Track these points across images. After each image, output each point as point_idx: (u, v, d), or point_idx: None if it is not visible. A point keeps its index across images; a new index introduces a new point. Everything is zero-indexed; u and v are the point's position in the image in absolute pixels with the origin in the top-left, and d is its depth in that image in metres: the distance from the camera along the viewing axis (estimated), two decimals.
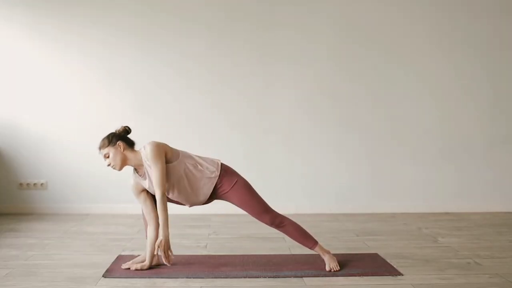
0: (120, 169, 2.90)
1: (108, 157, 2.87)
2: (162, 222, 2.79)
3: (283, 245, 3.57)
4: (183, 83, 4.82)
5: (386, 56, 4.87)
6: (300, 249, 3.34)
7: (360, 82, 4.88)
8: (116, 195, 4.75)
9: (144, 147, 2.86)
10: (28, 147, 4.78)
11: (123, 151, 2.87)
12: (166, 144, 2.90)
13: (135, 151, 2.92)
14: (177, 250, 3.42)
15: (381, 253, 3.36)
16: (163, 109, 4.82)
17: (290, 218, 3.00)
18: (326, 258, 2.98)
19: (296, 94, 4.86)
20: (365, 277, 2.85)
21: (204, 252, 3.40)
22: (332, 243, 3.60)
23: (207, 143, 4.75)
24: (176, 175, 2.85)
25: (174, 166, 2.84)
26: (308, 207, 4.82)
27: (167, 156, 2.84)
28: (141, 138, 4.97)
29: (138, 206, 4.77)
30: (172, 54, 4.80)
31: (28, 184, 4.80)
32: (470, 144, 4.92)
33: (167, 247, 2.80)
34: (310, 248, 2.99)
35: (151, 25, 4.78)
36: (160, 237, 2.79)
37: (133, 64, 4.80)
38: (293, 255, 3.31)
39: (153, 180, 2.78)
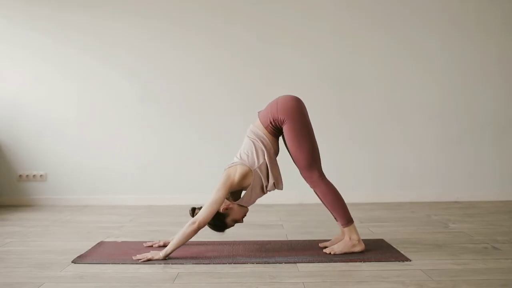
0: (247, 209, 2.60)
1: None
2: (175, 243, 2.39)
3: (281, 231, 3.08)
4: (180, 73, 4.38)
5: (392, 41, 4.36)
6: (298, 236, 2.83)
7: (362, 68, 4.37)
8: (116, 186, 4.41)
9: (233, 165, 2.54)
10: (28, 139, 4.42)
11: (233, 205, 2.53)
12: (241, 174, 2.48)
13: (239, 191, 2.58)
14: (165, 237, 2.97)
15: (387, 239, 2.82)
16: (161, 100, 4.39)
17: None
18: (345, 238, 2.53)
19: (296, 81, 4.37)
20: (367, 263, 2.33)
21: (193, 239, 2.89)
22: (333, 230, 3.09)
23: (208, 131, 4.31)
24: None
25: (252, 188, 2.50)
26: (311, 197, 4.27)
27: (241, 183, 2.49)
28: (140, 130, 4.53)
29: (138, 198, 4.42)
30: (168, 42, 4.38)
31: (27, 176, 4.41)
32: (480, 131, 4.35)
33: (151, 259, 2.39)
34: (342, 225, 2.54)
35: (150, 15, 4.36)
36: (161, 253, 2.38)
37: (131, 55, 4.39)
38: (290, 241, 2.80)
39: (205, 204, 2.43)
